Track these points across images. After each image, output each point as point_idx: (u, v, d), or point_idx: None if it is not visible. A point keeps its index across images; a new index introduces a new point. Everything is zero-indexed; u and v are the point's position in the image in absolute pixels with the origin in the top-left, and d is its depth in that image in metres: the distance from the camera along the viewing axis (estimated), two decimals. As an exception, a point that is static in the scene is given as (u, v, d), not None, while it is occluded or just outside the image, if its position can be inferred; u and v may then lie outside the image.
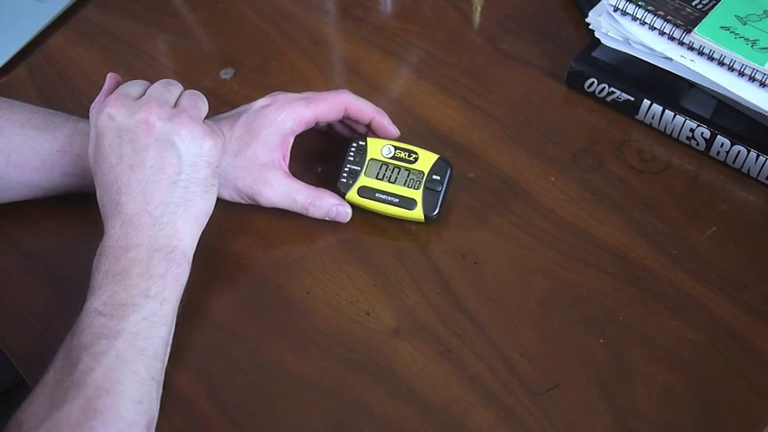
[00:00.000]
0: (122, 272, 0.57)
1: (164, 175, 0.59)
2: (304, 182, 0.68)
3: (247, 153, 0.66)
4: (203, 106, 0.63)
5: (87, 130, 0.66)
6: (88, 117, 0.68)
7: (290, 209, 0.68)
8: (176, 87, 0.64)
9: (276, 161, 0.67)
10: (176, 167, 0.60)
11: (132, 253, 0.58)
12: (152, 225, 0.59)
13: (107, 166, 0.60)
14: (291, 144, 0.68)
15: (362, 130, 0.72)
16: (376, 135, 0.71)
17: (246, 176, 0.67)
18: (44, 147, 0.66)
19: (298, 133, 0.68)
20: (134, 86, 0.63)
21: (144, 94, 0.62)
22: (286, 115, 0.67)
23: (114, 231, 0.59)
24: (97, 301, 0.57)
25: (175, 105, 0.62)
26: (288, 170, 0.68)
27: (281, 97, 0.68)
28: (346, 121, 0.72)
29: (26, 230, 0.71)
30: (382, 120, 0.70)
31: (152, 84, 0.63)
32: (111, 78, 0.66)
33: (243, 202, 0.69)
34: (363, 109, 0.69)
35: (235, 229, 0.70)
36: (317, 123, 0.69)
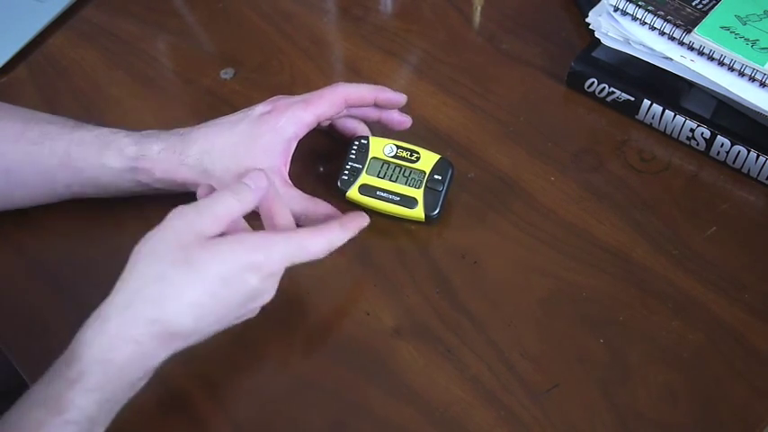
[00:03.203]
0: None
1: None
2: (304, 183, 0.68)
3: (246, 160, 0.65)
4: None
5: (85, 140, 0.65)
6: (86, 120, 0.68)
7: None
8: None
9: (276, 168, 0.66)
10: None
11: None
12: None
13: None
14: (293, 150, 0.67)
15: (374, 114, 0.71)
16: (387, 118, 0.70)
17: None
18: (42, 162, 0.65)
19: (300, 138, 0.67)
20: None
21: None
22: (287, 121, 0.66)
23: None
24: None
25: None
26: (287, 177, 0.67)
27: (281, 103, 0.67)
28: (352, 112, 0.71)
29: (27, 231, 0.71)
30: (386, 94, 0.69)
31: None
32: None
33: None
34: (363, 94, 0.68)
35: (235, 229, 0.70)
36: (318, 123, 0.68)
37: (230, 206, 0.57)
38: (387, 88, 0.69)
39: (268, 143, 0.65)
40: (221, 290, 0.55)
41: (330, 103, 0.67)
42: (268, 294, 0.59)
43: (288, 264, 0.58)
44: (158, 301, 0.54)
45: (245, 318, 0.59)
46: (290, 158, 0.67)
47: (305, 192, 0.67)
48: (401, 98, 0.70)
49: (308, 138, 0.70)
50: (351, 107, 0.69)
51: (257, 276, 0.56)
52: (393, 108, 0.70)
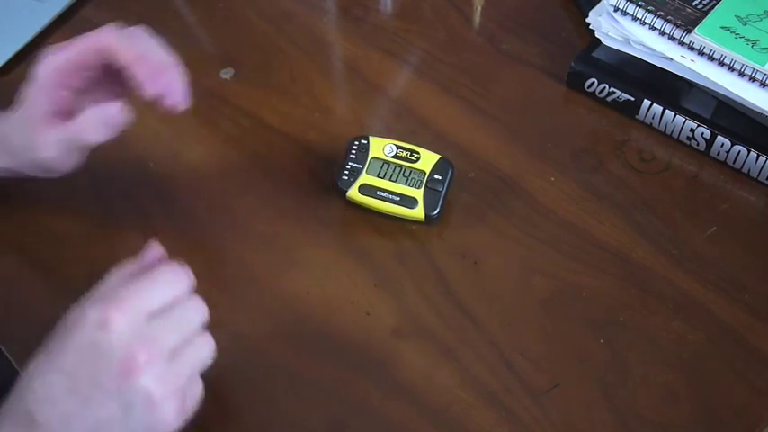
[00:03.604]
0: None
1: None
2: (303, 183, 0.68)
3: (28, 121, 0.61)
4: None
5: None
6: None
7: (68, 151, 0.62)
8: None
9: (49, 118, 0.61)
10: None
11: None
12: None
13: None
14: (50, 88, 0.60)
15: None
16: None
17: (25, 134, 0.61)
18: None
19: (55, 77, 0.60)
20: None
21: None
22: (39, 62, 0.60)
23: None
24: None
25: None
26: (41, 121, 0.61)
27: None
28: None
29: (26, 230, 0.71)
30: (151, 65, 0.59)
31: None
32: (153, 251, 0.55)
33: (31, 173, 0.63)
34: (123, 53, 0.59)
35: (235, 228, 0.70)
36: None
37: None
38: (156, 56, 0.59)
39: (33, 95, 0.60)
40: (72, 363, 0.49)
41: (80, 47, 0.59)
42: (145, 352, 0.49)
43: (144, 300, 0.50)
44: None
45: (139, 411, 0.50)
46: (62, 104, 0.61)
47: (304, 192, 0.67)
48: (172, 75, 0.59)
49: (307, 138, 0.70)
50: (108, 63, 0.60)
51: (106, 329, 0.48)
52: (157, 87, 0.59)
